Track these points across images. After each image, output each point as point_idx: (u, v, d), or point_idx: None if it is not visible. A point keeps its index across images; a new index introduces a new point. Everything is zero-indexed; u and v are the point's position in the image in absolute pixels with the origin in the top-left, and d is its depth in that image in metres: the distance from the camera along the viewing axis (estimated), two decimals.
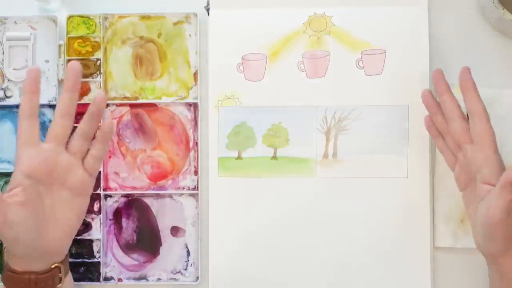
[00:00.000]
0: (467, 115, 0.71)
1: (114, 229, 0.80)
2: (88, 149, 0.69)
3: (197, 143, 0.80)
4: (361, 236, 0.78)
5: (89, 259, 0.79)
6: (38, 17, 0.81)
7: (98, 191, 0.79)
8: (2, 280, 0.68)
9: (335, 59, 0.79)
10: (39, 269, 0.67)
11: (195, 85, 0.81)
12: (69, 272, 0.72)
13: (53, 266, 0.68)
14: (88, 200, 0.70)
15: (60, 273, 0.69)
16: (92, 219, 0.80)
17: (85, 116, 0.68)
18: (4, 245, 0.67)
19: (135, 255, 0.80)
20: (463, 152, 0.71)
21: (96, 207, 0.80)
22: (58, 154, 0.67)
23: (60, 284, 0.69)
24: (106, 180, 0.80)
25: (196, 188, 0.80)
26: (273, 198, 0.79)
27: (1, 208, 0.63)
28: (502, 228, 0.64)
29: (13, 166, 0.80)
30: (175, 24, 0.81)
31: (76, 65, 0.67)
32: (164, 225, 0.80)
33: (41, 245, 0.67)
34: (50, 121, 0.80)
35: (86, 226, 0.79)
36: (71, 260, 0.77)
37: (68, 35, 0.81)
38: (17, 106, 0.80)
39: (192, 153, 0.80)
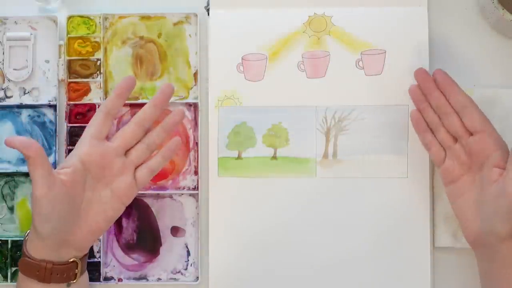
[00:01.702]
0: None
1: (114, 229, 0.80)
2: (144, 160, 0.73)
3: (197, 143, 0.80)
4: (361, 236, 0.78)
5: (89, 259, 0.79)
6: (38, 17, 0.81)
7: None
8: (19, 266, 0.70)
9: (335, 59, 0.79)
10: (56, 260, 0.68)
11: (195, 85, 0.81)
12: (86, 273, 0.73)
13: (70, 260, 0.69)
14: (123, 209, 0.72)
15: (77, 269, 0.70)
16: None
17: (158, 128, 0.73)
18: (33, 223, 0.67)
19: (135, 255, 0.80)
20: (463, 143, 0.71)
21: None
22: (117, 155, 0.71)
23: (74, 280, 0.70)
24: None
25: (196, 188, 0.80)
26: (273, 198, 0.79)
27: (50, 179, 0.66)
28: None
29: (12, 166, 0.80)
30: (175, 24, 0.81)
31: (169, 88, 0.72)
32: (164, 225, 0.80)
33: (64, 235, 0.68)
34: (50, 121, 0.80)
35: None
36: None
37: (68, 35, 0.81)
38: (17, 106, 0.80)
39: (192, 153, 0.80)
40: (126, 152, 0.72)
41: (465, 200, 0.71)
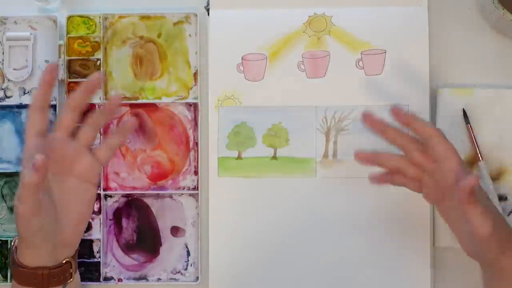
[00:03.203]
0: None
1: (114, 229, 0.80)
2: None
3: (197, 143, 0.80)
4: (361, 236, 0.78)
5: (89, 259, 0.79)
6: (38, 17, 0.81)
7: (98, 191, 0.79)
8: (13, 277, 0.69)
9: (335, 59, 0.80)
10: (50, 264, 0.68)
11: (195, 85, 0.81)
12: (77, 270, 0.73)
13: (64, 261, 0.69)
14: (95, 188, 0.71)
15: (71, 268, 0.70)
16: (92, 219, 0.80)
17: (97, 111, 0.72)
18: (21, 237, 0.67)
19: (135, 255, 0.80)
20: (428, 173, 0.70)
21: (96, 207, 0.80)
22: (65, 142, 0.68)
23: (70, 280, 0.70)
24: (106, 180, 0.80)
25: (196, 188, 0.80)
26: (273, 198, 0.79)
27: (37, 196, 0.64)
28: (494, 238, 0.64)
29: (12, 166, 0.80)
30: (175, 24, 0.81)
31: (97, 74, 0.70)
32: (164, 225, 0.80)
33: (55, 239, 0.68)
34: (50, 121, 0.80)
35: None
36: None
37: (68, 35, 0.81)
38: (17, 106, 0.80)
39: (192, 153, 0.80)
40: (75, 136, 0.69)
41: (453, 219, 0.70)
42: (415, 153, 0.70)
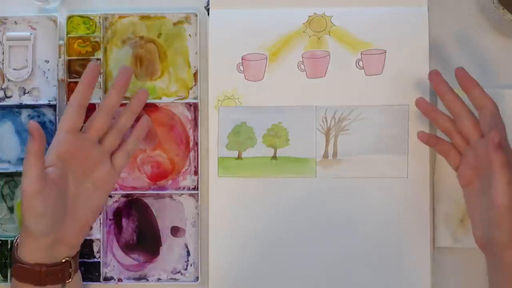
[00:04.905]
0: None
1: (114, 229, 0.80)
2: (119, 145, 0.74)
3: (197, 143, 0.80)
4: (361, 236, 0.78)
5: (89, 259, 0.79)
6: (38, 17, 0.81)
7: None
8: (12, 273, 0.69)
9: (335, 59, 0.79)
10: (49, 261, 0.68)
11: (195, 85, 0.81)
12: (79, 271, 0.73)
13: (63, 260, 0.69)
14: (106, 197, 0.73)
15: (70, 268, 0.70)
16: None
17: (125, 111, 0.74)
18: (24, 225, 0.67)
19: (135, 255, 0.80)
20: (472, 146, 0.70)
21: None
22: (93, 145, 0.71)
23: (69, 280, 0.70)
24: None
25: (196, 188, 0.80)
26: (273, 198, 0.79)
27: (44, 176, 0.66)
28: (509, 217, 0.65)
29: (12, 166, 0.80)
30: (175, 24, 0.81)
31: (128, 70, 0.74)
32: (164, 225, 0.80)
33: (56, 234, 0.68)
34: (50, 121, 0.80)
35: None
36: None
37: (68, 35, 0.81)
38: (17, 106, 0.80)
39: (192, 153, 0.80)
40: (100, 140, 0.73)
41: (474, 205, 0.70)
42: (466, 121, 0.71)
